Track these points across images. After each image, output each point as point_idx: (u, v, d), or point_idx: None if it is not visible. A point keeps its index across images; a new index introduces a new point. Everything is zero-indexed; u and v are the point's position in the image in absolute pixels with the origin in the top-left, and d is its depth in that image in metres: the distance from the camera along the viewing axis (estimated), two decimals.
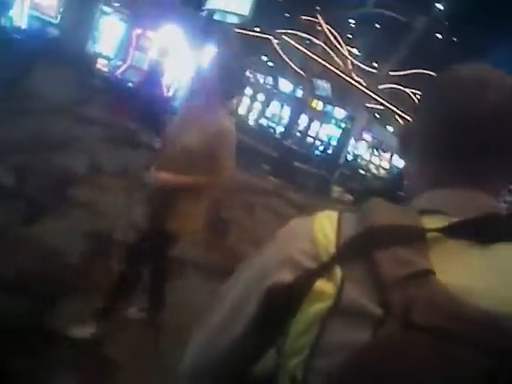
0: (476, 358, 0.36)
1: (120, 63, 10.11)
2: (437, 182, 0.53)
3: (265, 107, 16.00)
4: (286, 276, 0.48)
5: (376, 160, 19.54)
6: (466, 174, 0.52)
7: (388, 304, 0.40)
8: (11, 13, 8.27)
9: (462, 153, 0.52)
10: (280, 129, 15.23)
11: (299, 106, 15.06)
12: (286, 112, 15.88)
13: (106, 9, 10.33)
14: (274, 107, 16.18)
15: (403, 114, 16.16)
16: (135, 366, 2.17)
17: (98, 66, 9.94)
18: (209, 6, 9.01)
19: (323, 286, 0.45)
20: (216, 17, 8.90)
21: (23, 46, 6.68)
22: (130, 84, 9.70)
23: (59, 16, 9.50)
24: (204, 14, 9.20)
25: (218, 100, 2.21)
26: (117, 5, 10.48)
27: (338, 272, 0.45)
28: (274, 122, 16.10)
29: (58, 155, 4.54)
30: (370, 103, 15.83)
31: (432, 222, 0.47)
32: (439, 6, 16.67)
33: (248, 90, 16.12)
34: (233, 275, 0.58)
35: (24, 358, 1.87)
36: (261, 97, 16.05)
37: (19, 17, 8.45)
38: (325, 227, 0.49)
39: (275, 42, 15.44)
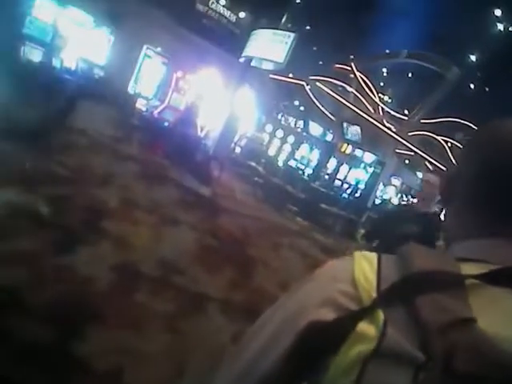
0: None
1: (158, 103, 10.60)
2: (477, 231, 0.53)
3: (294, 149, 16.20)
4: (326, 315, 0.49)
5: None
6: (509, 224, 0.52)
7: (430, 349, 0.41)
8: (62, 54, 8.89)
9: (506, 204, 0.52)
10: (309, 171, 15.31)
11: (329, 150, 15.18)
12: (315, 155, 16.01)
13: (149, 52, 10.98)
14: (304, 150, 16.36)
15: (433, 161, 16.02)
16: None
17: (138, 105, 10.46)
18: (247, 53, 9.42)
19: (365, 328, 0.46)
20: (253, 63, 9.27)
21: (71, 85, 7.14)
22: (166, 123, 10.10)
23: (105, 58, 10.16)
24: (242, 60, 9.61)
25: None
26: (159, 49, 11.13)
27: (380, 315, 0.45)
28: (302, 163, 16.23)
29: (94, 188, 4.75)
30: (400, 149, 15.81)
31: (471, 269, 0.47)
32: (472, 57, 16.82)
33: (279, 132, 16.42)
34: (266, 312, 0.58)
35: None
36: (291, 139, 16.29)
37: (69, 58, 9.06)
38: (365, 270, 0.50)
39: (307, 87, 15.83)
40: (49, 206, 3.74)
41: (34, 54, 8.58)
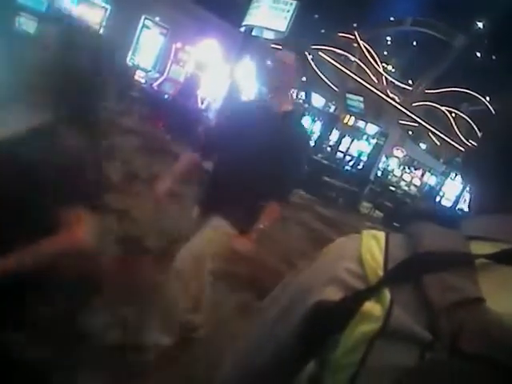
0: None
1: (157, 75, 10.42)
2: (492, 205, 0.52)
3: None
4: (332, 294, 0.49)
5: (407, 177, 19.22)
6: None
7: (437, 329, 0.41)
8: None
9: None
10: (310, 143, 15.22)
11: (331, 121, 15.02)
12: (317, 127, 15.86)
13: (148, 23, 10.72)
14: (306, 121, 16.20)
15: (437, 132, 15.85)
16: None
17: (137, 77, 10.28)
18: (247, 22, 9.17)
19: (371, 307, 0.46)
20: (254, 33, 9.05)
21: None
22: (166, 96, 9.96)
23: (102, 28, 9.93)
24: (242, 29, 9.37)
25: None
26: (158, 19, 10.86)
27: (386, 295, 0.45)
28: None
29: None
30: (403, 120, 15.63)
31: (482, 248, 0.46)
32: (479, 24, 16.38)
33: None
34: (275, 290, 0.59)
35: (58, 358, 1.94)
36: None
37: None
38: (372, 248, 0.50)
39: (309, 57, 15.52)
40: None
41: (30, 25, 8.37)
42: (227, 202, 2.07)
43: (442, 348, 0.40)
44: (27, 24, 8.26)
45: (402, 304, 0.44)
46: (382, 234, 0.52)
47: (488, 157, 0.53)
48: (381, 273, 0.47)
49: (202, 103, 9.84)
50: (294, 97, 18.41)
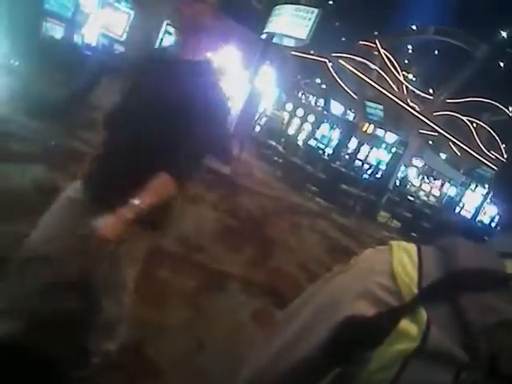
0: None
1: None
2: None
3: (315, 128, 16.01)
4: (365, 309, 0.48)
5: (426, 187, 18.98)
6: None
7: (475, 350, 0.40)
8: (83, 31, 8.90)
9: None
10: (329, 151, 15.16)
11: (350, 129, 14.95)
12: (336, 134, 15.81)
13: (169, 28, 10.89)
14: (324, 129, 16.16)
15: (458, 142, 15.63)
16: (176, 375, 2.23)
17: None
18: (268, 29, 9.24)
19: (407, 326, 0.45)
20: (274, 40, 9.11)
21: (93, 61, 7.15)
22: None
23: (125, 34, 10.14)
24: (263, 36, 9.44)
25: None
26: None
27: (422, 314, 0.45)
28: (323, 143, 16.07)
29: None
30: (423, 129, 15.46)
31: None
32: (503, 33, 16.14)
33: (299, 111, 16.22)
34: (295, 302, 0.58)
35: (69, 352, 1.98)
36: (311, 118, 16.10)
37: (90, 34, 9.07)
38: (404, 262, 0.49)
39: (330, 65, 15.52)
40: (71, 181, 3.79)
41: (56, 31, 8.60)
42: (115, 177, 1.61)
43: (479, 368, 0.40)
44: (53, 29, 8.52)
45: (438, 324, 0.44)
46: (412, 247, 0.51)
47: None
48: (415, 289, 0.46)
49: None
50: (314, 104, 18.44)
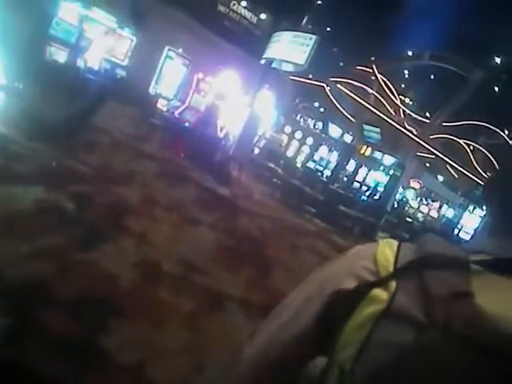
0: (502, 369, 0.43)
1: (179, 104, 10.73)
2: (496, 230, 0.59)
3: (313, 151, 16.17)
4: (348, 284, 0.57)
5: (424, 209, 19.02)
6: None
7: (432, 314, 0.48)
8: (86, 55, 9.09)
9: None
10: (327, 173, 15.27)
11: (348, 151, 15.11)
12: (334, 156, 15.95)
13: (171, 53, 11.14)
14: (323, 151, 16.32)
15: (455, 164, 15.77)
16: None
17: (159, 105, 10.61)
18: (267, 55, 9.46)
19: (379, 293, 0.54)
20: (273, 65, 9.31)
21: (95, 85, 7.29)
22: (187, 123, 10.22)
23: (127, 59, 10.36)
24: (262, 62, 9.66)
25: None
26: (180, 50, 11.27)
27: (393, 284, 0.53)
28: (321, 165, 16.19)
29: (116, 186, 4.86)
30: (421, 152, 15.62)
31: (477, 258, 0.54)
32: (497, 59, 16.48)
33: (298, 134, 16.41)
34: (300, 285, 0.68)
35: (79, 377, 1.99)
36: (310, 140, 16.27)
37: (92, 59, 9.26)
38: (385, 252, 0.59)
39: (328, 89, 15.78)
40: (74, 203, 3.85)
41: (60, 55, 8.79)
42: None
43: (435, 330, 0.47)
44: (57, 53, 8.71)
45: (405, 292, 0.52)
46: (395, 242, 0.61)
47: (498, 188, 0.62)
48: (391, 269, 0.55)
49: (221, 131, 10.05)
50: (312, 127, 18.64)
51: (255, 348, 0.68)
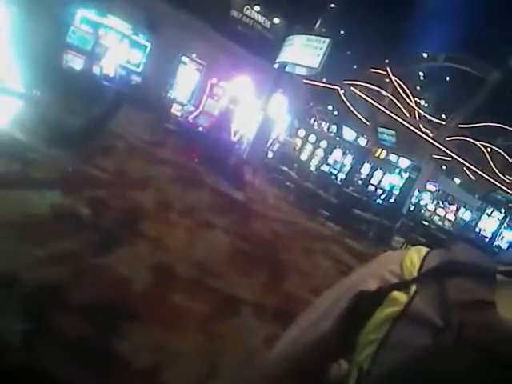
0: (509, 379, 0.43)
1: (193, 109, 10.81)
2: None
3: (327, 154, 16.10)
4: (371, 286, 0.59)
5: (441, 212, 18.76)
6: None
7: (449, 318, 0.48)
8: (102, 62, 9.24)
9: None
10: (341, 176, 15.18)
11: (362, 155, 15.01)
12: (349, 160, 15.86)
13: (185, 59, 11.24)
14: (337, 154, 16.24)
15: (472, 167, 15.52)
16: None
17: (173, 110, 10.70)
18: (281, 59, 9.48)
19: (398, 295, 0.55)
20: (287, 69, 9.32)
21: (110, 92, 7.39)
22: (201, 128, 10.29)
23: (142, 65, 10.48)
24: (276, 66, 9.68)
25: None
26: (194, 56, 11.36)
27: (413, 288, 0.54)
28: (335, 168, 16.12)
29: (132, 191, 4.91)
30: (437, 154, 15.42)
31: (508, 268, 0.53)
32: None
33: (312, 137, 16.36)
34: (332, 287, 0.69)
35: (93, 381, 2.00)
36: (324, 144, 16.21)
37: (108, 66, 9.40)
38: (413, 257, 0.59)
39: (341, 92, 15.72)
40: (89, 208, 3.89)
41: (76, 62, 8.96)
42: None
43: (449, 333, 0.47)
44: (74, 61, 8.87)
45: (424, 295, 0.53)
46: (425, 249, 0.61)
47: None
48: (415, 274, 0.56)
49: (235, 136, 10.09)
50: (326, 130, 18.56)
51: (276, 352, 0.69)
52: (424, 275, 0.55)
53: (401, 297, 0.54)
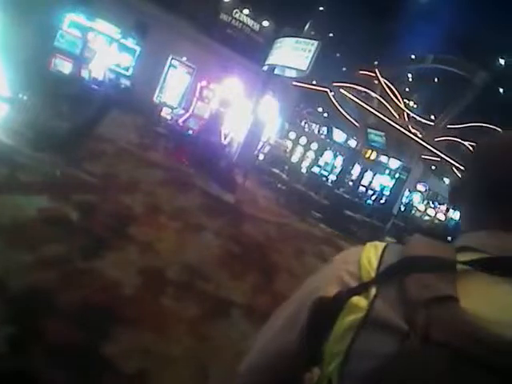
0: (482, 376, 0.41)
1: (183, 112, 10.79)
2: (478, 224, 0.58)
3: (318, 156, 16.16)
4: (331, 291, 0.56)
5: (431, 212, 18.90)
6: (506, 220, 0.55)
7: (412, 321, 0.46)
8: (90, 66, 9.19)
9: (506, 204, 0.56)
10: (332, 177, 15.23)
11: (353, 156, 15.08)
12: (339, 161, 15.92)
13: (174, 62, 11.22)
14: (327, 156, 16.30)
15: (460, 166, 15.67)
16: None
17: (163, 114, 10.68)
18: (270, 61, 9.50)
19: (358, 301, 0.52)
20: (276, 71, 9.34)
21: (99, 95, 7.36)
22: (191, 131, 10.26)
23: (131, 68, 10.44)
24: (265, 68, 9.70)
25: None
26: (184, 59, 11.35)
27: (372, 291, 0.52)
28: (326, 170, 16.17)
29: (121, 195, 4.88)
30: (426, 155, 15.56)
31: (468, 258, 0.52)
32: (501, 60, 16.43)
33: (302, 139, 16.41)
34: (292, 295, 0.67)
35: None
36: (314, 146, 16.27)
37: (97, 69, 9.35)
38: (370, 255, 0.57)
39: (331, 94, 15.80)
40: (78, 211, 3.86)
41: (64, 66, 8.89)
42: None
43: (415, 337, 0.45)
44: (62, 65, 8.81)
45: (384, 298, 0.50)
46: (382, 244, 0.59)
47: (480, 188, 0.60)
48: (373, 274, 0.54)
49: (225, 138, 10.09)
50: (317, 132, 18.64)
51: (246, 364, 0.66)
52: (382, 275, 0.53)
53: (361, 302, 0.51)
